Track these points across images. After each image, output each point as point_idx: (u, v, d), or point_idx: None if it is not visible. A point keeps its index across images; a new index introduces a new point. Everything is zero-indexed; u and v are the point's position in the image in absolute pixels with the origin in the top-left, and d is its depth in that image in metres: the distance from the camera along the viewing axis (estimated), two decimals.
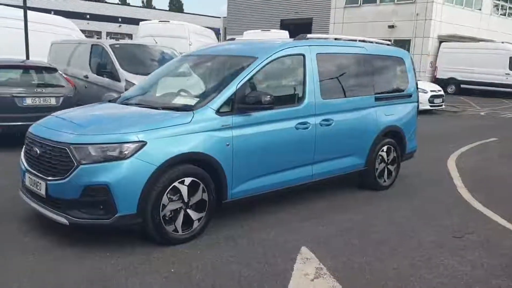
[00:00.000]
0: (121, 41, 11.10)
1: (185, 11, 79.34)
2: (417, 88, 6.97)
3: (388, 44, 6.95)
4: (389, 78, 6.59)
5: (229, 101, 4.61)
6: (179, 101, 4.93)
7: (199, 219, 4.41)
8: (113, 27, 54.01)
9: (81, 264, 3.83)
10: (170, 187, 4.15)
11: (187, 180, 4.26)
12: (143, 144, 4.01)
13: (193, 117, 4.38)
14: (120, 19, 54.30)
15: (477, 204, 5.92)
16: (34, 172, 4.32)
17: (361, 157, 6.03)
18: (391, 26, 28.72)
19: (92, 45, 10.49)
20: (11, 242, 4.23)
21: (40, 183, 4.20)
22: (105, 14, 53.27)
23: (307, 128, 5.22)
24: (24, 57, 11.69)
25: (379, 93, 6.20)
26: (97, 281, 3.56)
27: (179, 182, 4.21)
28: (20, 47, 11.89)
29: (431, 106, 16.92)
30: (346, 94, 5.83)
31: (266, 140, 4.87)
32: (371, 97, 6.08)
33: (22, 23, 12.01)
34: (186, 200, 4.28)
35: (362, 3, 30.34)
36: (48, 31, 13.39)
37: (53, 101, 8.31)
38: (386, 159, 6.38)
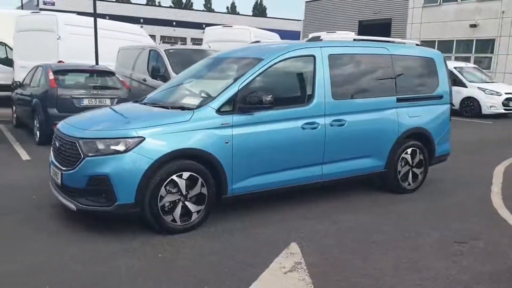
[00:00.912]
0: (175, 46, 11.75)
1: (268, 15, 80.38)
2: (451, 89, 6.72)
3: (417, 44, 6.79)
4: (415, 79, 6.45)
5: (231, 101, 4.85)
6: (186, 100, 5.25)
7: (198, 212, 4.69)
8: (169, 31, 55.72)
9: (83, 246, 4.27)
10: (168, 180, 4.48)
11: (185, 174, 4.56)
12: (141, 139, 4.38)
13: (192, 115, 4.68)
14: (174, 23, 55.81)
15: (504, 211, 5.61)
16: (55, 163, 4.86)
17: (380, 159, 5.97)
18: (473, 25, 27.15)
19: (150, 50, 11.23)
20: (36, 226, 4.78)
21: (57, 173, 4.73)
22: (160, 18, 55.09)
23: (315, 128, 5.31)
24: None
25: (401, 94, 6.10)
26: (89, 259, 3.97)
27: (177, 176, 4.52)
28: (101, 53, 12.98)
29: (505, 109, 15.86)
30: (362, 95, 5.82)
31: (269, 139, 5.04)
32: (392, 98, 6.00)
33: (103, 32, 13.17)
34: (184, 193, 4.58)
35: (442, 2, 29.01)
36: (121, 37, 14.41)
37: (107, 102, 9.05)
38: (410, 162, 6.25)
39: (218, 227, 4.82)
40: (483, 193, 6.37)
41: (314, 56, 5.41)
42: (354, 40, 6.23)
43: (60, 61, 12.57)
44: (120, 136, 4.40)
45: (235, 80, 5.02)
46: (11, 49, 14.52)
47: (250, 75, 5.02)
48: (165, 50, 10.54)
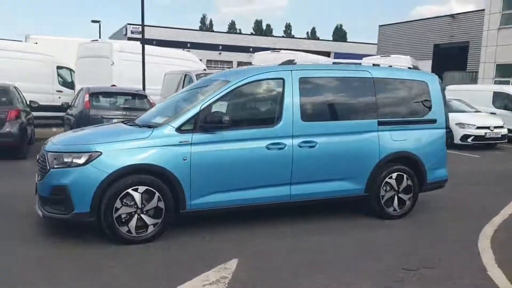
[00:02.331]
0: (207, 71, 12.29)
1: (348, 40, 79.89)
2: (447, 114, 6.47)
3: (410, 68, 6.65)
4: (402, 103, 6.30)
5: (192, 120, 5.12)
6: (157, 120, 5.58)
7: (154, 224, 4.96)
8: (214, 55, 56.96)
9: (40, 249, 4.71)
10: (123, 193, 4.81)
11: (141, 188, 4.87)
12: (99, 154, 4.77)
13: (151, 133, 5.01)
14: (220, 47, 57.01)
15: (487, 255, 4.94)
16: (36, 176, 5.40)
17: (359, 183, 5.89)
18: None
19: (185, 74, 11.87)
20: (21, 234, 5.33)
21: (36, 183, 5.25)
22: (207, 43, 56.47)
23: (281, 148, 5.40)
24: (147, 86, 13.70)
25: (384, 117, 6.01)
26: (36, 260, 4.38)
27: (132, 190, 4.84)
28: (151, 77, 13.95)
29: None
30: (336, 117, 5.83)
31: (231, 158, 5.22)
32: (372, 121, 5.93)
33: (154, 58, 14.15)
34: (140, 206, 4.88)
35: None
36: (170, 63, 15.33)
37: None
38: (395, 187, 6.08)
39: (178, 240, 5.05)
40: (473, 231, 5.72)
41: (283, 79, 5.55)
42: (334, 63, 6.26)
43: (113, 85, 13.66)
44: (81, 151, 4.82)
45: (200, 100, 5.30)
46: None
47: (213, 96, 5.27)
48: (196, 75, 11.10)
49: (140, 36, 49.19)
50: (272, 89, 5.64)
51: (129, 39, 48.59)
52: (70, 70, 16.60)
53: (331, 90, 5.92)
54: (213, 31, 73.78)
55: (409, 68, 6.71)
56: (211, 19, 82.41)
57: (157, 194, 4.93)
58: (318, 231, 5.52)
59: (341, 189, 5.83)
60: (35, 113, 12.41)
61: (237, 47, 57.56)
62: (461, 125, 14.24)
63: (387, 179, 6.03)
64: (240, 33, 79.66)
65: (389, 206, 6.09)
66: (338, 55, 55.11)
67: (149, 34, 52.59)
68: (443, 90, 6.55)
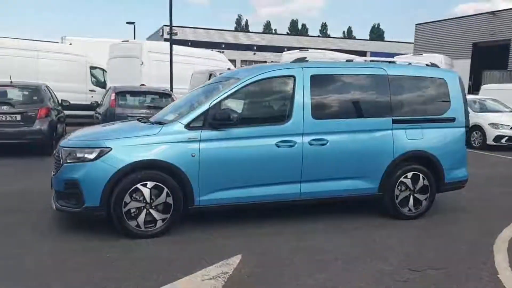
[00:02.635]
0: (231, 70, 12.36)
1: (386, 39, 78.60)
2: (467, 112, 6.28)
3: (427, 65, 6.49)
4: (419, 100, 6.16)
5: (201, 117, 5.18)
6: (169, 117, 5.67)
7: (163, 220, 5.04)
8: (248, 55, 56.76)
9: (52, 243, 4.87)
10: (133, 188, 4.91)
11: (150, 184, 4.96)
12: (109, 150, 4.89)
13: (160, 130, 5.10)
14: (255, 47, 56.84)
15: (501, 257, 4.76)
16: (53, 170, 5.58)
17: (372, 182, 5.80)
18: None
19: (209, 74, 11.99)
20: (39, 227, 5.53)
21: (51, 178, 5.43)
22: (241, 43, 56.36)
23: (292, 146, 5.39)
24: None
25: (399, 116, 5.89)
26: (47, 254, 4.54)
27: (141, 185, 4.94)
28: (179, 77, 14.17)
29: None
30: (349, 115, 5.75)
31: (240, 155, 5.24)
32: (386, 119, 5.83)
33: (182, 58, 14.38)
34: (149, 201, 4.97)
35: None
36: (198, 63, 15.53)
37: None
38: (411, 187, 5.95)
39: (181, 235, 5.12)
40: (491, 232, 5.56)
41: (294, 77, 5.52)
42: (347, 61, 6.18)
43: (142, 84, 13.94)
44: (92, 146, 4.96)
45: (210, 98, 5.35)
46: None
47: (223, 94, 5.31)
48: (220, 73, 11.16)
49: (175, 37, 50.17)
50: (282, 87, 5.62)
51: (166, 40, 49.36)
52: (103, 70, 17.05)
53: (343, 87, 5.85)
54: (248, 31, 74.14)
55: (427, 65, 6.54)
56: (246, 19, 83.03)
57: (165, 189, 5.00)
58: (325, 230, 5.47)
59: (353, 188, 5.75)
60: (67, 112, 12.84)
61: (272, 47, 57.70)
62: (494, 125, 13.76)
63: (402, 179, 5.91)
64: (276, 33, 79.71)
65: (404, 206, 5.97)
66: (374, 55, 54.41)
67: (184, 35, 53.49)
68: (463, 88, 6.35)
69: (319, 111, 5.57)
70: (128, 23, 28.87)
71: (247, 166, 5.29)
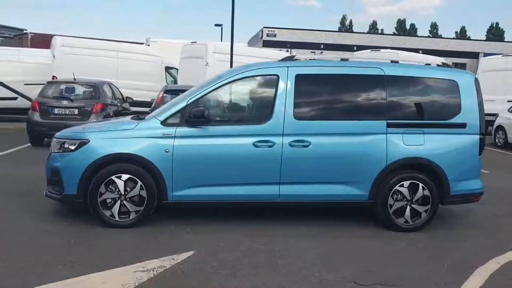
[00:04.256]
0: None
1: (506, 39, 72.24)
2: (481, 117, 5.63)
3: (438, 65, 5.93)
4: (422, 103, 5.66)
5: (178, 114, 5.28)
6: (153, 113, 5.83)
7: (136, 212, 5.23)
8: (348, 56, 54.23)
9: (31, 224, 5.29)
10: (108, 179, 5.16)
11: (125, 176, 5.17)
12: (87, 142, 5.19)
13: (137, 125, 5.29)
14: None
15: (476, 282, 4.22)
16: None
17: (362, 188, 5.46)
18: None
19: None
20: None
21: None
22: (342, 43, 54.27)
23: (270, 146, 5.28)
24: None
25: (395, 119, 5.48)
26: (22, 234, 4.95)
27: (116, 177, 5.17)
28: None
29: None
30: (336, 117, 5.47)
31: (215, 153, 5.26)
32: (380, 122, 5.45)
33: (247, 58, 14.63)
34: (123, 192, 5.19)
35: None
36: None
37: None
38: (408, 197, 5.50)
39: (153, 228, 5.26)
40: (490, 253, 4.94)
41: (278, 76, 5.39)
42: (342, 60, 5.85)
43: None
44: (74, 138, 5.30)
45: (189, 95, 5.43)
46: None
47: (202, 91, 5.37)
48: None
49: (275, 39, 50.26)
50: (265, 86, 5.53)
51: (265, 42, 50.36)
52: (177, 70, 17.88)
53: (332, 88, 5.58)
54: (351, 31, 72.61)
55: (438, 65, 5.99)
56: (351, 19, 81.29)
57: (139, 182, 5.18)
58: (300, 235, 5.26)
59: (340, 193, 5.46)
60: (142, 109, 13.68)
61: (373, 47, 55.87)
62: None
63: (397, 187, 5.48)
64: (382, 33, 77.06)
65: (399, 217, 5.52)
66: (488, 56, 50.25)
67: (282, 36, 53.94)
68: (479, 91, 5.71)
69: (302, 111, 5.39)
70: (216, 25, 29.85)
71: (223, 165, 5.28)
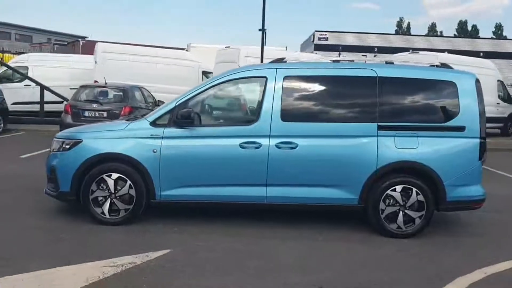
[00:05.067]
0: None
1: None
2: (482, 120, 5.35)
3: (438, 66, 5.69)
4: (416, 105, 5.46)
5: (167, 115, 5.40)
6: (147, 114, 5.96)
7: (125, 210, 5.39)
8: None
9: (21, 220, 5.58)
10: (99, 177, 5.35)
11: (114, 175, 5.35)
12: (80, 141, 5.41)
13: (127, 126, 5.46)
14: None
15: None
16: None
17: (351, 192, 5.33)
18: None
19: None
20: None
21: None
22: (396, 46, 52.29)
23: (257, 148, 5.28)
24: None
25: (387, 121, 5.32)
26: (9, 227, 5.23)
27: (107, 175, 5.35)
28: None
29: None
30: (324, 119, 5.38)
31: (202, 153, 5.34)
32: (370, 124, 5.31)
33: None
34: (112, 191, 5.36)
35: None
36: None
37: None
38: (401, 202, 5.31)
39: (141, 226, 5.38)
40: (481, 263, 4.67)
41: (266, 77, 5.39)
42: (333, 61, 5.74)
43: None
44: (70, 138, 5.54)
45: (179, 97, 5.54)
46: None
47: (190, 93, 5.46)
48: None
49: (326, 42, 49.48)
50: (253, 88, 5.55)
51: (316, 46, 50.03)
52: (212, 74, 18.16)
53: (321, 89, 5.51)
54: (409, 34, 70.57)
55: (437, 66, 5.74)
56: (408, 22, 78.76)
57: (128, 181, 5.34)
58: (286, 238, 5.21)
59: (328, 196, 5.37)
60: None
61: (430, 49, 53.98)
62: None
63: (389, 192, 5.31)
64: (441, 35, 74.39)
65: (392, 222, 5.34)
66: None
67: (334, 40, 53.32)
68: (481, 92, 5.43)
69: (290, 113, 5.35)
70: (259, 30, 29.90)
71: (210, 165, 5.34)
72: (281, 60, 5.66)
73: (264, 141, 5.28)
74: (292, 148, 5.27)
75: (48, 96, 16.10)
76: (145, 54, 17.10)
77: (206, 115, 5.45)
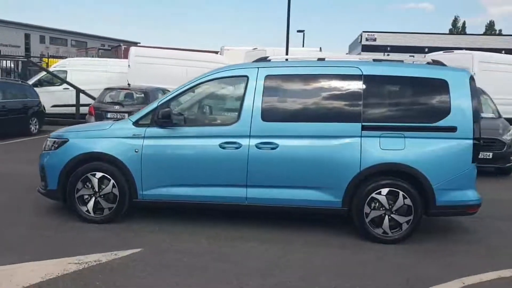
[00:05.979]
0: None
1: None
2: (475, 120, 5.01)
3: (429, 63, 5.37)
4: (404, 104, 5.18)
5: (149, 116, 5.43)
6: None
7: (109, 208, 5.45)
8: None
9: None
10: (84, 176, 5.45)
11: (98, 174, 5.43)
12: (66, 141, 5.54)
13: (111, 126, 5.52)
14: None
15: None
16: None
17: (334, 195, 5.15)
18: None
19: None
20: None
21: None
22: (449, 46, 49.68)
23: (237, 148, 5.20)
24: None
25: (371, 121, 5.09)
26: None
27: (91, 174, 5.44)
28: None
29: None
30: (305, 119, 5.21)
31: (182, 153, 5.32)
32: (354, 125, 5.10)
33: None
34: (97, 190, 5.45)
35: None
36: None
37: None
38: (387, 206, 5.07)
39: (128, 224, 5.44)
40: (469, 271, 4.42)
41: (247, 77, 5.30)
42: (318, 59, 5.55)
43: None
44: (59, 138, 5.68)
45: (162, 97, 5.55)
46: None
47: (173, 93, 5.46)
48: None
49: (374, 43, 48.40)
50: (234, 87, 5.47)
51: (364, 46, 49.20)
52: None
53: (303, 88, 5.33)
54: (464, 33, 67.83)
55: (428, 63, 5.43)
56: (464, 21, 75.31)
57: (112, 181, 5.40)
58: (266, 240, 5.10)
59: (310, 198, 5.20)
60: None
61: (486, 49, 51.59)
62: None
63: (374, 195, 5.08)
64: (500, 34, 70.97)
65: (377, 227, 5.11)
66: None
67: (383, 40, 52.09)
68: (475, 91, 5.09)
69: (271, 113, 5.23)
70: (298, 31, 29.81)
71: (190, 165, 5.31)
72: (264, 59, 5.55)
73: (244, 141, 5.19)
74: (272, 148, 5.15)
75: (85, 99, 16.67)
76: (175, 58, 17.38)
77: (187, 114, 5.43)
